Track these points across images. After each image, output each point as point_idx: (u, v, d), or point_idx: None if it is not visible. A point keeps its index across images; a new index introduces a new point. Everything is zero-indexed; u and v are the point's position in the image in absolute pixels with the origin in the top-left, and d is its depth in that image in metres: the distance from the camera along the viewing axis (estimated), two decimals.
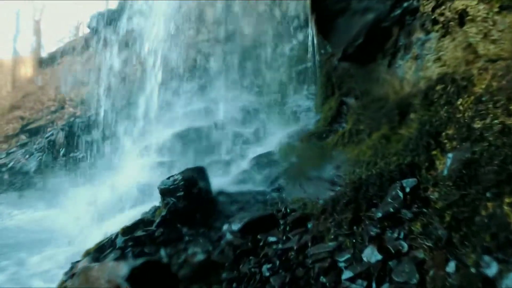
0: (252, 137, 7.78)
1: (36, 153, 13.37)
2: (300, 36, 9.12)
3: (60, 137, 12.85)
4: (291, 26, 9.58)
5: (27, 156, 13.63)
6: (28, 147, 14.34)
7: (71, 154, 11.76)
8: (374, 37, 4.83)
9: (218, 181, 6.22)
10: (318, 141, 5.00)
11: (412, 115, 3.55)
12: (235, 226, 3.66)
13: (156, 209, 4.49)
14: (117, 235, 4.10)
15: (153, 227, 4.05)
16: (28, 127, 15.39)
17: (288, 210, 3.71)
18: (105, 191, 7.62)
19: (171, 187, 4.24)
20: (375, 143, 3.64)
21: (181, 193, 4.17)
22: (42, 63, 20.74)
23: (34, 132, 14.79)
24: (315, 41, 8.01)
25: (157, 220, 4.11)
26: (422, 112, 3.34)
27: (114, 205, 6.95)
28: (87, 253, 4.16)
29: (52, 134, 13.36)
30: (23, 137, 15.18)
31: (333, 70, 7.52)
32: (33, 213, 9.54)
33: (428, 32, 4.04)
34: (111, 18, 13.50)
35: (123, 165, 8.30)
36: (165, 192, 4.28)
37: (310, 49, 8.31)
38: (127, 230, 4.12)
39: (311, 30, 8.36)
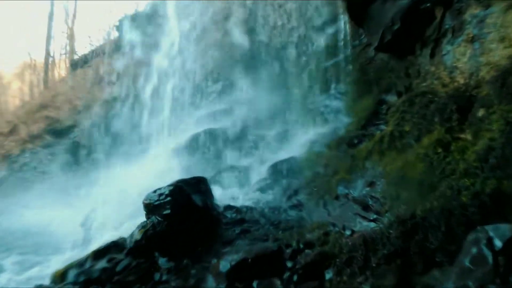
0: (274, 140, 6.76)
1: (60, 153, 12.92)
2: (329, 30, 8.05)
3: (84, 137, 12.32)
4: (319, 21, 8.53)
5: (50, 156, 13.18)
6: (52, 147, 13.94)
7: (93, 155, 11.12)
8: (412, 21, 4.14)
9: (230, 192, 5.26)
10: (349, 148, 3.93)
11: (481, 112, 2.43)
12: (224, 266, 2.63)
13: (143, 226, 3.54)
14: (87, 258, 3.18)
15: (122, 255, 3.08)
16: (54, 127, 14.96)
17: (301, 245, 2.64)
18: (114, 196, 6.85)
19: (155, 203, 3.28)
20: (428, 153, 2.55)
21: (167, 211, 3.20)
22: (74, 65, 20.54)
23: (59, 132, 14.33)
24: (348, 30, 6.93)
25: (129, 247, 3.15)
26: (505, 106, 2.21)
27: (119, 212, 6.14)
28: (54, 277, 3.28)
29: (76, 135, 12.85)
30: (48, 137, 14.77)
31: (368, 63, 6.45)
32: (46, 213, 8.93)
33: (487, 6, 2.96)
34: (139, 21, 12.90)
35: (139, 167, 7.47)
36: (149, 209, 3.33)
37: (341, 39, 7.26)
38: (98, 254, 3.19)
39: (343, 18, 7.33)
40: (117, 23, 16.08)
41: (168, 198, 3.22)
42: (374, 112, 4.96)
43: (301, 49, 8.45)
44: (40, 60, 22.12)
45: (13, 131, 18.73)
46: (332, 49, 7.65)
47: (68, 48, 21.88)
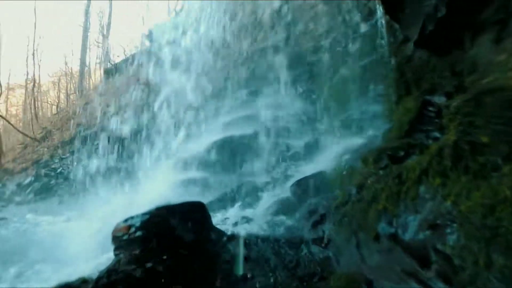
0: (302, 152, 5.79)
1: (84, 160, 12.57)
2: (363, 29, 7.05)
3: (107, 144, 11.83)
4: (352, 20, 7.53)
5: (76, 162, 12.91)
6: (79, 154, 13.72)
7: (114, 163, 10.57)
8: (461, 5, 3.34)
9: (245, 213, 4.34)
10: (392, 164, 2.89)
11: None
12: None
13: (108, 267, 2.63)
14: None
15: None
16: (83, 134, 14.79)
17: None
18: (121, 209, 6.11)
19: (123, 237, 2.40)
20: None
21: (137, 251, 2.30)
22: (107, 73, 20.57)
23: (86, 139, 14.08)
24: (383, 26, 5.94)
25: None
26: None
27: None
28: None
29: (98, 142, 12.41)
30: (77, 143, 14.60)
31: (406, 62, 5.43)
32: (63, 222, 8.34)
33: None
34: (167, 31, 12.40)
35: (150, 178, 6.70)
36: (118, 244, 2.45)
37: (377, 37, 6.27)
38: None
39: (378, 14, 6.31)
40: (147, 33, 15.90)
41: (139, 233, 2.34)
42: (418, 116, 3.94)
43: (333, 52, 7.45)
44: (76, 68, 22.26)
45: (46, 137, 18.82)
46: (368, 49, 6.66)
47: (102, 57, 21.96)
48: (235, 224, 3.84)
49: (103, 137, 12.57)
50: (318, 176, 4.72)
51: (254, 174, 5.50)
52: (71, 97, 21.66)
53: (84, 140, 13.92)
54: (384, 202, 2.39)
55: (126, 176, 7.81)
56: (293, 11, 9.12)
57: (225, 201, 5.17)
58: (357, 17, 7.38)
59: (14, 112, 26.55)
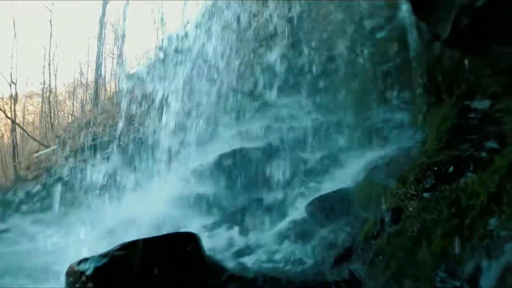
0: (320, 166, 5.08)
1: (92, 170, 12.15)
2: (384, 32, 6.36)
3: (116, 155, 11.37)
4: (371, 25, 6.85)
5: (84, 172, 12.51)
6: (88, 163, 13.30)
7: (121, 174, 10.05)
8: None
9: (252, 239, 3.67)
10: (440, 184, 2.18)
11: None
12: None
13: None
14: None
15: None
16: (93, 143, 14.39)
17: None
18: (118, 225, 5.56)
19: (75, 285, 1.75)
20: None
21: None
22: (121, 84, 20.39)
23: (97, 149, 13.68)
24: (410, 25, 5.30)
25: None
26: None
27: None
28: None
29: (108, 152, 11.95)
30: (88, 153, 14.20)
31: (435, 64, 4.78)
32: (63, 236, 7.79)
33: None
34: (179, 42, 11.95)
35: (151, 191, 6.09)
36: None
37: (400, 38, 5.64)
38: None
39: (403, 12, 5.65)
40: (160, 44, 15.67)
41: (90, 285, 1.68)
42: (459, 125, 3.30)
43: (349, 60, 6.75)
44: (91, 79, 22.07)
45: (60, 145, 18.55)
46: (387, 54, 5.97)
47: (116, 68, 21.80)
48: (240, 253, 3.18)
49: (111, 148, 12.16)
50: (339, 194, 4.04)
51: (265, 191, 4.82)
52: (87, 107, 21.43)
53: (94, 150, 13.54)
54: (440, 241, 1.69)
55: (126, 189, 7.20)
56: (307, 22, 8.48)
57: (231, 221, 4.52)
58: (373, 23, 6.71)
59: (31, 120, 26.54)
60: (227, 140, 5.98)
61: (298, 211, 4.10)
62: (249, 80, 7.99)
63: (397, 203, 2.48)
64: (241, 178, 5.18)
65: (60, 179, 12.60)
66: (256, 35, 9.37)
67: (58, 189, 11.69)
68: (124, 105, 14.46)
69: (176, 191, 5.56)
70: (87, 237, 5.25)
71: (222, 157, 5.46)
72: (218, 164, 5.44)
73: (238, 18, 9.57)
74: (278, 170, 4.95)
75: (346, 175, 4.52)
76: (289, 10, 8.83)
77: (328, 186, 4.52)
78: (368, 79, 6.10)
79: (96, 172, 11.21)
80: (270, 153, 5.34)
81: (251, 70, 8.33)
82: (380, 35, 6.37)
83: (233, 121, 6.45)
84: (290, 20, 8.81)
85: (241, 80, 8.05)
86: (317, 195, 4.40)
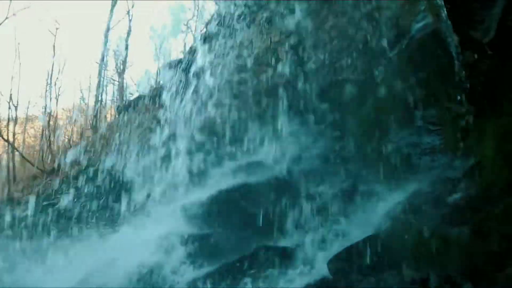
0: (337, 202, 4.03)
1: (82, 198, 11.20)
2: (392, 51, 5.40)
3: (107, 183, 10.33)
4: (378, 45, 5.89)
5: (75, 199, 11.53)
6: (81, 190, 12.31)
7: (110, 204, 9.02)
8: None
9: None
10: None
11: None
12: None
13: None
14: None
15: None
16: (87, 169, 13.40)
17: None
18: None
19: None
20: None
21: None
22: (120, 109, 19.64)
23: (90, 175, 12.70)
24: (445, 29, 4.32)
25: None
26: None
27: None
28: None
29: (102, 179, 10.95)
30: (81, 179, 13.22)
31: (471, 75, 3.85)
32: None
33: None
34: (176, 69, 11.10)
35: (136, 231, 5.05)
36: None
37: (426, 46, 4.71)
38: None
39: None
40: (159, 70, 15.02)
41: None
42: None
43: (358, 81, 5.77)
44: (91, 103, 21.23)
45: (56, 170, 17.63)
46: (402, 73, 4.99)
47: (117, 94, 21.07)
48: None
49: (100, 177, 11.22)
50: (369, 243, 3.02)
51: (272, 236, 3.77)
52: (87, 132, 20.61)
53: (89, 176, 12.56)
54: None
55: (110, 226, 6.15)
56: (310, 45, 7.51)
57: (230, 275, 3.47)
58: (384, 42, 5.76)
59: (32, 143, 25.62)
60: (226, 174, 4.95)
61: (316, 266, 3.07)
62: (249, 105, 6.98)
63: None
64: (244, 218, 4.14)
65: (50, 205, 11.60)
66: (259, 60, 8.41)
67: (43, 217, 10.68)
68: (118, 134, 13.59)
69: (166, 231, 4.52)
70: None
71: (220, 194, 4.42)
72: (217, 200, 4.40)
73: (241, 44, 8.59)
74: (288, 209, 3.92)
75: (374, 215, 3.53)
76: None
77: (352, 230, 3.51)
78: (385, 98, 5.12)
79: (82, 202, 10.25)
80: (278, 188, 4.30)
81: (254, 95, 7.36)
82: (390, 54, 5.45)
83: (233, 151, 5.40)
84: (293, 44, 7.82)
85: (241, 106, 7.04)
86: (339, 240, 3.41)
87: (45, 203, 12.49)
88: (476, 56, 3.64)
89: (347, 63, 6.28)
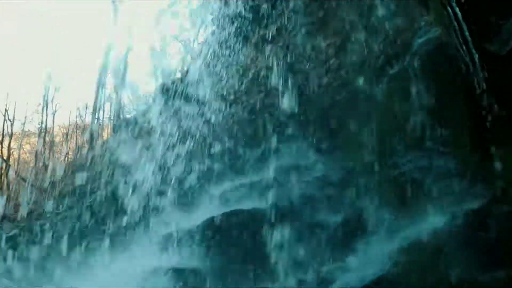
0: (341, 235, 3.49)
1: (72, 219, 10.66)
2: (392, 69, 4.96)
3: (97, 204, 9.83)
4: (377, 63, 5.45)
5: (65, 220, 10.98)
6: (72, 211, 11.76)
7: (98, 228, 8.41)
8: None
9: None
10: None
11: None
12: None
13: None
14: None
15: None
16: (82, 188, 12.85)
17: None
18: None
19: None
20: None
21: None
22: (116, 128, 19.18)
23: (82, 195, 12.10)
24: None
25: None
26: None
27: None
28: None
29: (92, 200, 10.44)
30: (74, 198, 12.64)
31: (490, 91, 3.40)
32: None
33: None
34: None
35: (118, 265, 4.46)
36: None
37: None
38: None
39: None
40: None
41: None
42: None
43: (355, 103, 5.29)
44: (88, 121, 20.90)
45: (50, 188, 17.08)
46: (406, 92, 4.51)
47: (114, 113, 20.70)
48: None
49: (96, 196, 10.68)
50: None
51: (271, 276, 3.22)
52: (83, 150, 20.17)
53: (79, 198, 11.97)
54: None
55: (90, 259, 5.54)
56: (306, 70, 7.08)
57: None
58: (381, 60, 5.32)
59: (28, 159, 25.18)
60: (217, 200, 4.43)
61: None
62: (244, 126, 6.48)
63: None
64: (234, 252, 3.61)
65: (41, 225, 10.99)
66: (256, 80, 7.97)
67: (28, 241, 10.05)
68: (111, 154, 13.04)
69: (146, 264, 3.96)
70: None
71: (210, 222, 3.89)
72: (206, 230, 3.87)
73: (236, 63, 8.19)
74: (286, 242, 3.39)
75: (382, 249, 3.02)
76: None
77: (355, 267, 2.99)
78: (388, 118, 4.64)
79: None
80: (273, 216, 3.76)
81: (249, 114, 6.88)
82: (391, 71, 5.00)
83: (227, 174, 4.87)
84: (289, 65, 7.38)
85: (236, 126, 6.54)
86: (342, 280, 2.87)
87: (36, 222, 11.94)
88: (492, 70, 3.23)
89: (345, 82, 5.87)
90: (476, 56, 3.03)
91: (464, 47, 3.54)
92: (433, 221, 2.91)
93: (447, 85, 3.97)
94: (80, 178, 14.08)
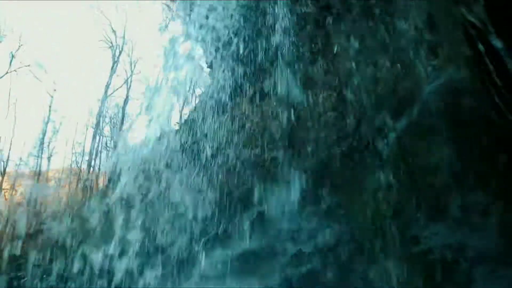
0: None
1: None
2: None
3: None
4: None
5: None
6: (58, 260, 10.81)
7: None
8: None
9: None
10: None
11: None
12: None
13: None
14: None
15: None
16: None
17: None
18: None
19: None
20: None
21: None
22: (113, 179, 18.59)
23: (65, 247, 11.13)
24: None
25: None
26: None
27: None
28: None
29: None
30: (63, 248, 11.80)
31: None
32: None
33: None
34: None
35: None
36: None
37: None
38: None
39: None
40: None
41: None
42: None
43: (366, 149, 4.55)
44: (84, 168, 20.30)
45: (37, 233, 16.15)
46: (429, 134, 3.84)
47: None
48: None
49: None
50: None
51: None
52: (77, 195, 19.44)
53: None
54: None
55: None
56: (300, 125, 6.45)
57: None
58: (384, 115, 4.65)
59: (21, 201, 24.30)
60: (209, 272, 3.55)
61: None
62: (237, 185, 5.66)
63: None
64: None
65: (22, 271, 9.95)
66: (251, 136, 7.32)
67: None
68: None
69: None
70: None
71: None
72: None
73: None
74: None
75: None
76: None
77: None
78: (401, 181, 3.87)
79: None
80: None
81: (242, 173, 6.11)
82: (402, 123, 4.30)
83: (217, 243, 4.00)
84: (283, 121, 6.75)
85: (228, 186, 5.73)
86: None
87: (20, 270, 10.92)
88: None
89: (345, 142, 5.17)
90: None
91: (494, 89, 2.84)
92: None
93: (475, 135, 3.25)
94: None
